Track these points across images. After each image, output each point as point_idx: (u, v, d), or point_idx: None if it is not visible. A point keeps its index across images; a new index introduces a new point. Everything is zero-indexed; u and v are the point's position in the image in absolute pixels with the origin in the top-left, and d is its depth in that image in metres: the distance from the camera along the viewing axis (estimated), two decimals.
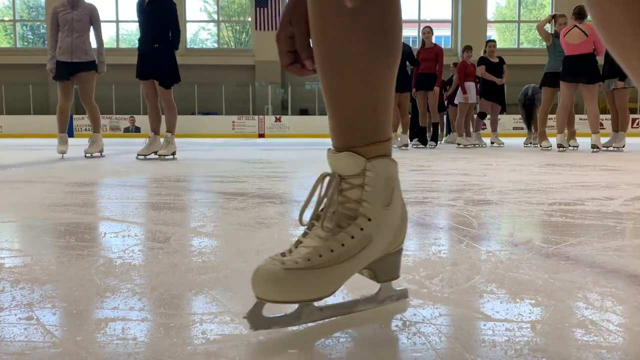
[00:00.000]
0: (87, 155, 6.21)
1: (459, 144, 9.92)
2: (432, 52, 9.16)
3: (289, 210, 2.17)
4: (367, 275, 0.88)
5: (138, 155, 5.92)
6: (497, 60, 10.01)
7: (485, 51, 10.07)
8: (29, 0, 24.17)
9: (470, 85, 10.05)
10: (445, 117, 12.52)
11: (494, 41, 10.53)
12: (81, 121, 19.44)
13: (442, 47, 10.20)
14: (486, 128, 11.33)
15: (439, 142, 10.80)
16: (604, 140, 8.09)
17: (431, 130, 9.99)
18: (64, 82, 6.15)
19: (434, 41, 9.41)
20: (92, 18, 6.22)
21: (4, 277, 1.12)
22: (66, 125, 6.29)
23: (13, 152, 7.96)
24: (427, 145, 9.47)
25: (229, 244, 1.51)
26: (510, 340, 0.80)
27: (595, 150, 7.45)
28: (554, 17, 8.57)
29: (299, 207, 2.28)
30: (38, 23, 24.19)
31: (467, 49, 10.23)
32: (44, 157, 6.41)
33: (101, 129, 6.51)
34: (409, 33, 22.07)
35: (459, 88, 10.17)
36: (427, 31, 9.32)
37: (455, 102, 10.53)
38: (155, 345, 0.77)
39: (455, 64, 12.19)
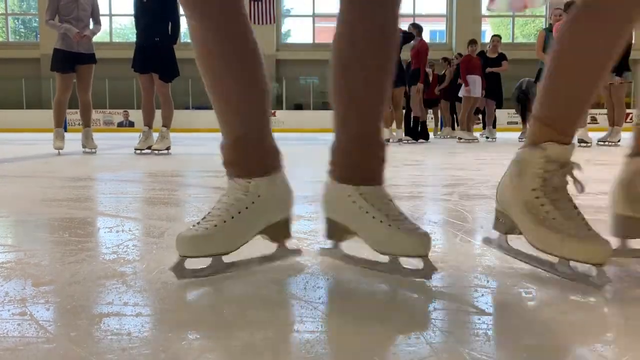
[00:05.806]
0: (88, 150, 6.12)
1: (460, 138, 9.86)
2: (414, 49, 9.29)
3: None
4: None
5: (136, 149, 5.90)
6: (495, 55, 10.02)
7: (489, 46, 10.09)
8: None
9: (475, 79, 9.92)
10: (438, 111, 12.50)
11: (498, 36, 10.49)
12: (74, 115, 19.33)
13: (437, 41, 10.25)
14: (480, 123, 11.32)
15: (434, 136, 10.80)
16: (598, 135, 8.10)
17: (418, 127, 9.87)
18: (67, 73, 5.88)
19: (428, 39, 9.51)
20: (94, 9, 6.10)
21: None
22: (63, 119, 6.06)
23: (6, 146, 7.92)
24: (418, 141, 9.43)
25: None
26: (505, 334, 0.80)
27: (583, 145, 7.43)
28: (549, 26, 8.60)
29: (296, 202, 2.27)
30: (30, 17, 24.02)
31: (472, 42, 10.20)
32: (37, 151, 6.38)
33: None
34: (405, 27, 22.04)
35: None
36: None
37: (460, 95, 10.44)
38: (149, 340, 0.77)
39: (445, 59, 12.15)
